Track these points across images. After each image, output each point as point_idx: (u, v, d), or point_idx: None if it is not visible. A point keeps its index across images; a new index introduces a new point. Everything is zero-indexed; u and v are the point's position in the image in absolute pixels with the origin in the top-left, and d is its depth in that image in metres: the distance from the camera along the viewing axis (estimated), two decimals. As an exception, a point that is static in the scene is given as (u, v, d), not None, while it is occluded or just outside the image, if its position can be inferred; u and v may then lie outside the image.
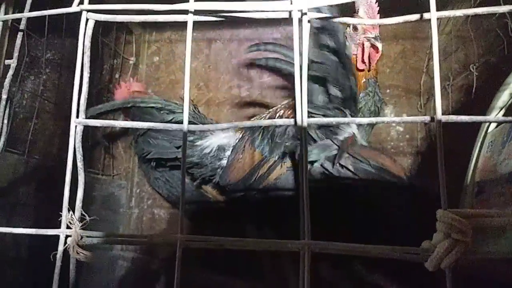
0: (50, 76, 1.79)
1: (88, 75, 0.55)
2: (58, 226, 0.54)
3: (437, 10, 0.49)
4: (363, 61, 1.38)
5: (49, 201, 1.57)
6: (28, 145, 1.59)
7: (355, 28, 1.37)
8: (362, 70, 1.40)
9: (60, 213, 0.54)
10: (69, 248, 0.50)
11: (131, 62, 2.29)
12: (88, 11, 0.55)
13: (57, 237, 0.54)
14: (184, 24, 0.54)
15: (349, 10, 1.39)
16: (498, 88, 1.15)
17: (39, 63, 1.72)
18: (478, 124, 1.17)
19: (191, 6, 0.53)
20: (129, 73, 2.29)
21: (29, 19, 0.78)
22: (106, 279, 1.96)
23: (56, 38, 1.78)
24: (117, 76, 2.24)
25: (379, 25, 1.33)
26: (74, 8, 0.56)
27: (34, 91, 1.69)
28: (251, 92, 2.20)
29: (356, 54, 1.39)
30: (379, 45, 1.33)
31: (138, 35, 2.33)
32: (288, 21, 0.54)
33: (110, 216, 2.08)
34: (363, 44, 1.36)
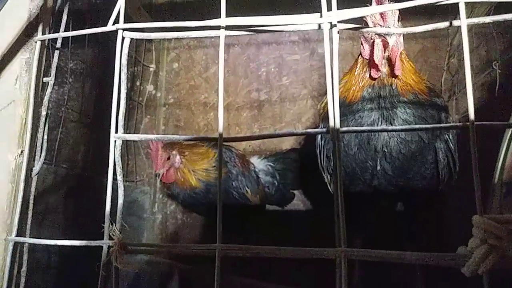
0: (74, 85, 1.84)
1: (126, 91, 0.57)
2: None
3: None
4: (374, 66, 1.09)
5: (78, 209, 1.62)
6: (55, 154, 1.63)
7: (366, 24, 1.03)
8: (375, 79, 1.12)
9: (101, 223, 0.56)
10: (112, 258, 0.52)
11: (151, 69, 2.32)
12: (124, 29, 0.57)
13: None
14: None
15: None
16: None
17: (62, 73, 1.76)
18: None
19: (223, 22, 0.54)
20: (150, 80, 2.33)
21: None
22: (127, 282, 2.00)
23: (79, 48, 1.82)
24: (138, 83, 2.28)
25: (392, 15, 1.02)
26: (110, 27, 0.58)
27: (58, 100, 1.74)
28: (270, 95, 2.21)
29: (368, 58, 1.12)
30: (391, 40, 1.02)
31: (157, 42, 2.37)
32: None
33: (134, 222, 2.12)
34: (373, 43, 1.06)
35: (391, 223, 1.29)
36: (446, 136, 1.18)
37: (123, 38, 0.57)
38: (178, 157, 1.65)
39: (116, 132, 0.57)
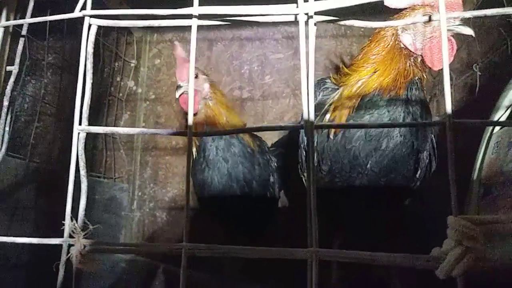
0: (52, 80, 1.79)
1: (91, 81, 0.54)
2: (60, 232, 0.53)
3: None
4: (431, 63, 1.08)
5: (51, 204, 1.57)
6: (30, 149, 1.58)
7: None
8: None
9: (62, 220, 0.53)
10: (72, 257, 0.49)
11: (132, 64, 2.28)
12: (91, 16, 0.54)
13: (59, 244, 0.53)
14: (185, 27, 0.53)
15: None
16: (501, 87, 1.14)
17: (40, 66, 1.71)
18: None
19: (195, 10, 0.52)
20: (130, 76, 2.28)
21: (33, 17, 0.77)
22: (108, 282, 1.95)
23: (57, 42, 1.78)
24: (118, 79, 2.23)
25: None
26: (76, 13, 0.55)
27: (35, 94, 1.69)
28: (252, 93, 2.19)
29: (422, 55, 1.09)
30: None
31: (139, 37, 2.32)
32: (288, 21, 0.53)
33: (112, 219, 2.08)
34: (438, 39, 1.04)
35: (368, 223, 1.28)
36: (431, 135, 1.18)
37: (89, 26, 0.54)
38: (207, 85, 1.39)
39: (80, 124, 0.54)
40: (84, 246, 0.50)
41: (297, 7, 0.50)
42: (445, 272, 0.47)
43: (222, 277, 1.73)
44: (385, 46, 1.12)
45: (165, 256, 1.93)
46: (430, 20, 0.52)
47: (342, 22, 0.53)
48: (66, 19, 0.58)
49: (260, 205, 1.50)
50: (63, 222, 0.51)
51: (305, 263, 0.48)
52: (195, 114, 1.37)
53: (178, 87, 1.33)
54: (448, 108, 0.47)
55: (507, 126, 1.01)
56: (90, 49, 0.54)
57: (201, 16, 0.53)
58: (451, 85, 1.72)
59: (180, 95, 1.32)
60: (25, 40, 0.77)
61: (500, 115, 1.05)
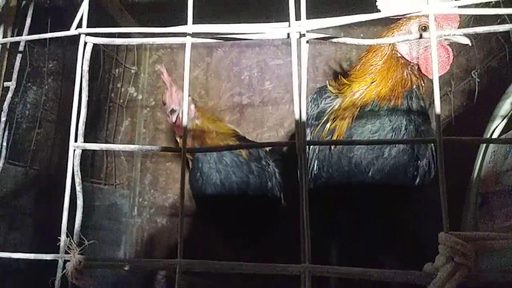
0: (52, 86, 1.80)
1: (87, 98, 0.54)
2: (58, 243, 0.54)
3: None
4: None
5: (50, 211, 1.57)
6: (30, 156, 1.59)
7: (424, 28, 1.05)
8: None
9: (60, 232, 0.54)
10: (67, 274, 0.50)
11: (132, 71, 2.29)
12: (87, 34, 0.55)
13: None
14: (185, 33, 0.54)
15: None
16: (500, 94, 1.14)
17: (41, 73, 1.72)
18: (481, 132, 1.16)
19: (189, 28, 0.52)
20: (131, 82, 2.29)
21: (30, 30, 0.78)
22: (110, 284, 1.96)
23: (58, 49, 1.79)
24: (118, 85, 2.24)
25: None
26: (72, 31, 0.55)
27: (36, 101, 1.70)
28: (252, 99, 2.20)
29: (418, 64, 1.11)
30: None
31: (139, 44, 2.33)
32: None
33: (113, 226, 2.08)
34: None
35: (366, 232, 1.28)
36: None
37: (85, 43, 0.55)
38: (192, 106, 1.44)
39: (76, 140, 0.54)
40: (80, 262, 0.50)
41: (289, 26, 0.51)
42: (437, 288, 0.47)
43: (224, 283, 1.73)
44: (382, 56, 1.13)
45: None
46: (421, 37, 0.52)
47: (334, 40, 0.53)
48: (66, 25, 0.59)
49: (258, 211, 1.52)
50: (59, 238, 0.52)
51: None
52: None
53: (172, 111, 1.36)
54: (438, 125, 0.48)
55: (498, 143, 1.01)
56: (86, 67, 0.55)
57: (195, 34, 0.54)
58: (450, 91, 1.73)
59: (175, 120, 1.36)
60: (25, 47, 0.78)
61: (496, 125, 1.05)
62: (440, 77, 1.81)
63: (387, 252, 1.25)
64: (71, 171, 0.54)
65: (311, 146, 1.23)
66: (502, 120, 1.05)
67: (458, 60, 1.76)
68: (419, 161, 1.16)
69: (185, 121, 0.54)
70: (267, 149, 1.74)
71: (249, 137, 1.92)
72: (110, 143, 2.13)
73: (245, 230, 1.60)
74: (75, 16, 0.58)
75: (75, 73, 0.56)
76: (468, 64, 1.67)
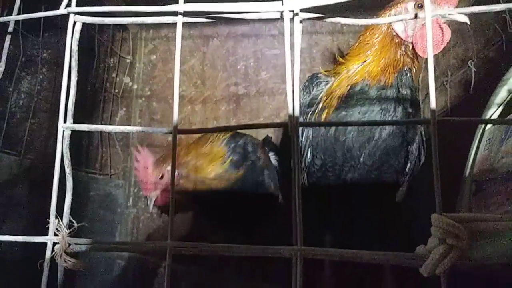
0: (47, 76, 1.78)
1: (76, 79, 0.53)
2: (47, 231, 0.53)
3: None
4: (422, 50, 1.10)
5: (44, 201, 1.56)
6: (24, 145, 1.58)
7: (419, 6, 1.06)
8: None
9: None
10: (56, 256, 0.49)
11: (127, 60, 2.27)
12: (76, 13, 0.54)
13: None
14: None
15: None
16: (496, 84, 1.14)
17: (35, 62, 1.71)
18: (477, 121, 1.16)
19: (180, 7, 0.51)
20: (126, 72, 2.27)
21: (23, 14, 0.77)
22: (104, 278, 1.96)
23: (52, 37, 1.77)
24: (113, 75, 2.23)
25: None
26: (61, 10, 0.54)
27: (30, 91, 1.69)
28: (248, 89, 2.19)
29: (412, 42, 1.11)
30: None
31: (134, 33, 2.31)
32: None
33: (108, 216, 2.08)
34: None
35: (358, 219, 1.28)
36: (421, 127, 1.19)
37: (74, 23, 0.54)
38: (176, 171, 1.32)
39: (65, 122, 0.53)
40: (69, 244, 0.50)
41: (282, 4, 0.50)
42: (429, 270, 0.47)
43: (223, 273, 1.73)
44: (379, 34, 1.13)
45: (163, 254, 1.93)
46: (416, 17, 0.52)
47: (328, 20, 0.52)
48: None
49: (251, 208, 1.48)
50: (48, 220, 0.51)
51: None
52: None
53: (147, 198, 1.28)
54: (432, 105, 0.47)
55: (494, 124, 1.01)
56: (75, 47, 0.54)
57: (187, 13, 0.53)
58: (446, 81, 1.72)
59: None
60: (20, 36, 0.76)
61: (492, 112, 1.05)
62: (436, 67, 1.82)
63: (380, 242, 1.25)
64: (60, 153, 0.53)
65: (305, 134, 1.23)
66: (498, 108, 1.05)
67: (455, 50, 1.75)
68: (409, 146, 1.17)
69: (176, 92, 0.53)
70: (260, 142, 1.71)
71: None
72: (106, 132, 2.12)
73: (238, 225, 1.59)
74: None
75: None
76: (465, 54, 1.66)
